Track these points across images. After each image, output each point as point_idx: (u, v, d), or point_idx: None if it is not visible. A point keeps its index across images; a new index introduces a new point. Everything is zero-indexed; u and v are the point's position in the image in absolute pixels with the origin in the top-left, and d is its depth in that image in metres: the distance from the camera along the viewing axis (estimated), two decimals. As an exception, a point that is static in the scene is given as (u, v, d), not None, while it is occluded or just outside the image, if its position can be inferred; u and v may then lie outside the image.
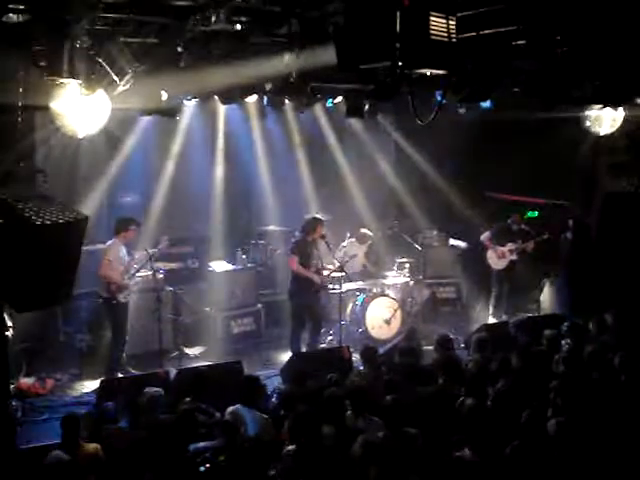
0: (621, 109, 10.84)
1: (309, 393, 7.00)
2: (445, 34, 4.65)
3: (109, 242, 9.49)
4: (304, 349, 10.18)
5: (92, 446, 6.14)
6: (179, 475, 5.66)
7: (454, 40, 4.74)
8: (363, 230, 12.22)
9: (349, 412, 6.43)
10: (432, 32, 4.62)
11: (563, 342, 8.28)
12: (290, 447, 5.73)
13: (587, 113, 11.02)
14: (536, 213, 12.83)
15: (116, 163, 10.87)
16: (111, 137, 10.10)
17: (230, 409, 6.63)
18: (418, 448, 5.73)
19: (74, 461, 5.74)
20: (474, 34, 5.53)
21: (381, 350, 9.04)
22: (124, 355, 9.57)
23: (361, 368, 8.20)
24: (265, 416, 6.67)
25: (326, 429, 6.06)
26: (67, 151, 9.66)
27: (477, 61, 6.86)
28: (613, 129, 11.09)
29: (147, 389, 6.89)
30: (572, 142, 11.93)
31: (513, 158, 12.27)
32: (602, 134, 11.20)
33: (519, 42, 6.83)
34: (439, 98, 7.85)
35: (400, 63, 4.61)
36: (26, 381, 9.08)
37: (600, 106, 10.64)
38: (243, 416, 6.46)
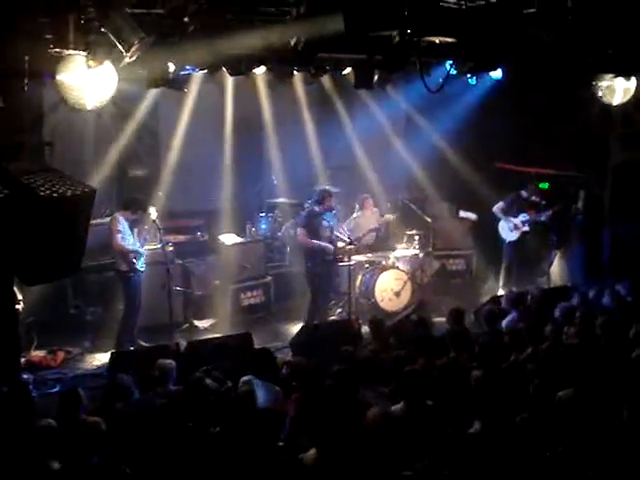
0: (634, 79, 10.70)
1: (319, 365, 7.01)
2: (454, 1, 4.56)
3: (114, 215, 9.38)
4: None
5: (92, 420, 5.86)
6: (191, 443, 5.68)
7: (464, 7, 4.65)
8: (364, 195, 12.06)
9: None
10: (441, -1, 4.55)
11: (577, 314, 8.23)
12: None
13: (599, 83, 10.88)
14: (547, 185, 12.69)
15: (125, 136, 10.84)
16: (119, 109, 10.04)
17: (244, 378, 6.65)
18: (432, 420, 5.73)
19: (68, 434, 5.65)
20: (484, 2, 5.43)
21: (390, 322, 9.04)
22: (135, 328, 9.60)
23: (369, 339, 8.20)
24: (277, 388, 6.68)
25: None
26: (75, 124, 9.62)
27: (486, 29, 6.75)
28: (625, 99, 10.95)
29: (159, 361, 6.92)
30: (585, 112, 11.79)
31: (525, 129, 12.16)
32: (614, 104, 11.06)
33: (530, 10, 6.71)
34: (448, 67, 7.75)
35: (409, 31, 4.53)
36: (37, 354, 9.14)
37: (612, 76, 10.51)
38: (256, 386, 6.48)
